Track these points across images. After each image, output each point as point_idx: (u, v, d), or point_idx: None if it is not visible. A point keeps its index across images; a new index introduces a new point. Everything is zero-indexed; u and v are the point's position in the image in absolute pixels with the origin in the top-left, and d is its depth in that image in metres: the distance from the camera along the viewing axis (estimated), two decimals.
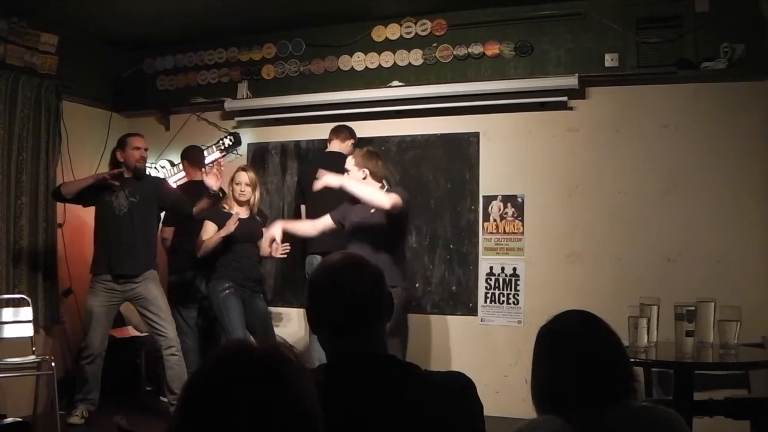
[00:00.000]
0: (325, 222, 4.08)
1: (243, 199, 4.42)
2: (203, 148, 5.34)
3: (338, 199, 4.01)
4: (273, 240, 4.06)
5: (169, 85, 5.71)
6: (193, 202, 4.44)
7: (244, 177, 4.42)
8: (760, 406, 3.11)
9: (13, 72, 4.73)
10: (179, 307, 4.81)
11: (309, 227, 4.20)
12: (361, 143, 4.68)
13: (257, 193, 4.46)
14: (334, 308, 1.49)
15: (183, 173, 5.34)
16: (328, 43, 5.20)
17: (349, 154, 4.21)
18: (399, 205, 3.74)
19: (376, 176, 3.95)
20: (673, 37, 4.35)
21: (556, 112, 4.65)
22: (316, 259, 4.45)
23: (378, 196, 3.77)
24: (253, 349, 1.01)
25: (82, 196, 4.40)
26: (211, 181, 4.29)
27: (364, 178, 3.91)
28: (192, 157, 5.15)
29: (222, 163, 4.58)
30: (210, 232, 4.36)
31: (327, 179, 3.81)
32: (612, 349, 1.56)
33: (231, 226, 4.26)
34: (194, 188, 4.73)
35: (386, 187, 4.03)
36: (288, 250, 4.50)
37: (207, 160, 5.27)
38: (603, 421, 1.46)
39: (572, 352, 1.53)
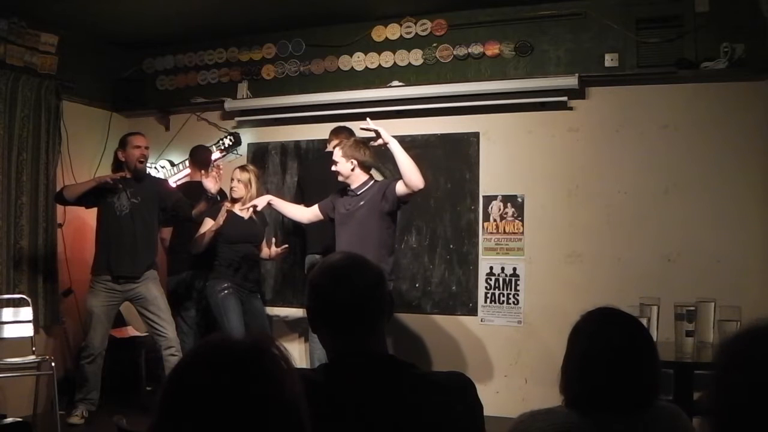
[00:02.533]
0: (314, 210, 4.08)
1: (235, 195, 4.42)
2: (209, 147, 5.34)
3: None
4: (254, 207, 4.09)
5: (169, 85, 5.71)
6: (192, 201, 4.44)
7: (237, 174, 4.44)
8: None
9: (13, 72, 4.73)
10: (179, 307, 4.82)
11: (297, 211, 4.21)
12: None
13: (253, 191, 4.40)
14: (335, 308, 1.49)
15: (183, 173, 5.37)
16: (328, 43, 5.20)
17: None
18: (422, 189, 3.71)
19: (364, 167, 3.91)
20: (673, 37, 4.35)
21: (556, 112, 4.64)
22: (316, 259, 4.44)
23: (417, 171, 3.66)
24: (233, 342, 1.00)
25: (85, 199, 4.41)
26: (210, 185, 4.28)
27: (353, 170, 3.87)
28: (195, 157, 5.16)
29: (221, 166, 4.58)
30: (207, 228, 4.37)
31: (381, 130, 3.72)
32: (649, 359, 1.53)
33: (220, 220, 4.26)
34: (193, 189, 4.73)
35: (373, 180, 3.96)
36: (287, 250, 4.50)
37: None
38: (621, 422, 1.46)
39: (609, 357, 1.50)
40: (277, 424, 0.95)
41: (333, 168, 3.91)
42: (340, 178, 3.91)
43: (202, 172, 4.46)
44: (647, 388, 1.50)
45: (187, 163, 5.34)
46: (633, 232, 4.44)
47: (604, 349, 1.51)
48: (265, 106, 5.28)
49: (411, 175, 3.64)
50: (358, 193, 3.87)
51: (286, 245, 4.54)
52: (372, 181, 3.91)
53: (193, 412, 0.93)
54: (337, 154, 3.90)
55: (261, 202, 4.11)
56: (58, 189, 4.75)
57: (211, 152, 5.28)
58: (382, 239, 3.82)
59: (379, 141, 3.74)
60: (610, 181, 4.52)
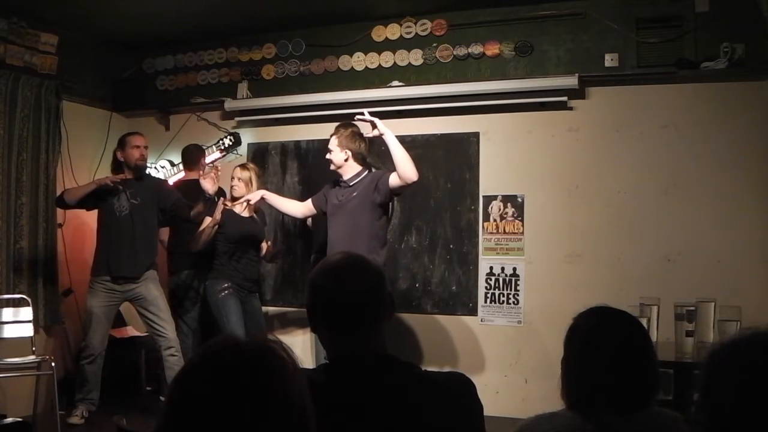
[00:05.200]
0: (307, 204, 4.10)
1: (235, 194, 4.41)
2: (204, 147, 5.33)
3: None
4: (248, 201, 4.11)
5: (169, 85, 5.71)
6: (189, 201, 4.44)
7: (238, 172, 4.43)
8: None
9: (13, 72, 4.73)
10: (179, 307, 4.81)
11: (291, 205, 4.23)
12: None
13: (254, 190, 4.35)
14: (335, 308, 1.49)
15: (182, 173, 5.36)
16: (328, 43, 5.20)
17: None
18: (415, 182, 3.70)
19: (359, 158, 3.90)
20: (673, 37, 4.35)
21: (556, 112, 4.64)
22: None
23: (411, 164, 3.66)
24: (239, 344, 1.01)
25: (85, 202, 4.41)
26: (207, 185, 4.27)
27: (346, 160, 3.87)
28: (185, 156, 5.16)
29: (218, 166, 4.57)
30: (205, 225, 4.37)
31: (376, 121, 3.74)
32: (647, 356, 1.54)
33: (217, 214, 4.26)
34: (189, 188, 4.71)
35: (367, 171, 3.96)
36: (281, 252, 4.50)
37: (207, 160, 5.27)
38: (622, 424, 1.45)
39: (610, 354, 1.50)
40: (284, 426, 0.95)
41: (327, 156, 3.91)
42: (332, 167, 3.92)
43: (200, 172, 4.45)
44: (646, 384, 1.50)
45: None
46: (633, 232, 4.44)
47: (600, 349, 1.52)
48: (265, 106, 5.28)
49: (405, 168, 3.64)
50: (351, 184, 3.88)
51: (280, 248, 4.53)
52: (366, 172, 3.91)
53: (201, 414, 0.93)
54: (333, 143, 3.90)
55: (254, 196, 4.14)
56: (58, 189, 4.76)
57: (202, 151, 5.25)
58: (373, 230, 3.82)
59: (375, 132, 3.75)
60: (610, 181, 4.52)
